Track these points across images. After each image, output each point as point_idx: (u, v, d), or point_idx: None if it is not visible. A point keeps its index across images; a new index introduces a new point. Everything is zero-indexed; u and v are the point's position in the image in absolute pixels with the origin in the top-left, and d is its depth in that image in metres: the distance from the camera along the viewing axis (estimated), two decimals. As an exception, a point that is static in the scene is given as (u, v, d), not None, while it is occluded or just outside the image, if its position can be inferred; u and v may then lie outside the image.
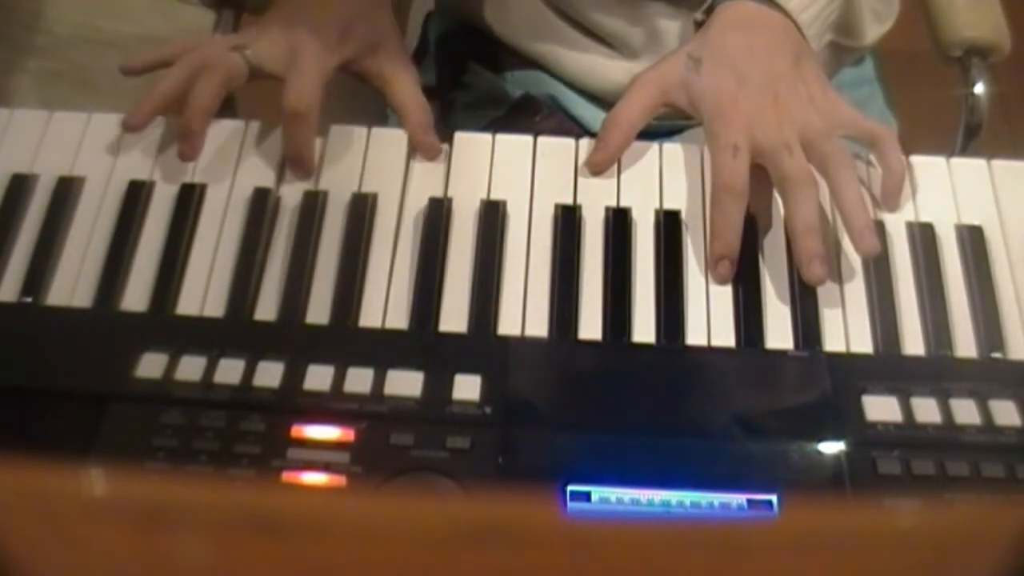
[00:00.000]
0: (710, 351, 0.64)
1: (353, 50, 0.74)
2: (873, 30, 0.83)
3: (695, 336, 0.64)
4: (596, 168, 0.70)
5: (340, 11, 0.74)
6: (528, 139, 0.72)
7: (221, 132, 0.72)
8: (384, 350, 0.62)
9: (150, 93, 0.70)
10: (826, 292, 0.66)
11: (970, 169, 0.72)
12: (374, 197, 0.69)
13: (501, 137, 0.72)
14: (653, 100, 0.71)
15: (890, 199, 0.69)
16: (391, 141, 0.72)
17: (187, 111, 0.69)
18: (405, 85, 0.74)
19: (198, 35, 0.74)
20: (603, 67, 0.85)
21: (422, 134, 0.72)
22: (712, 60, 0.70)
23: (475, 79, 0.90)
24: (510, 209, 0.69)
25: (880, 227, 0.67)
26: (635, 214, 0.69)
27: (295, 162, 0.70)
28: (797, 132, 0.67)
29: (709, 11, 0.73)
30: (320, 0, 0.74)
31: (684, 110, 0.71)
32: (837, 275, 0.66)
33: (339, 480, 0.56)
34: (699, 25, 0.74)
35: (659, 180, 0.70)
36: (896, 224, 0.69)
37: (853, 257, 0.67)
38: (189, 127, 0.69)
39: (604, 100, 0.86)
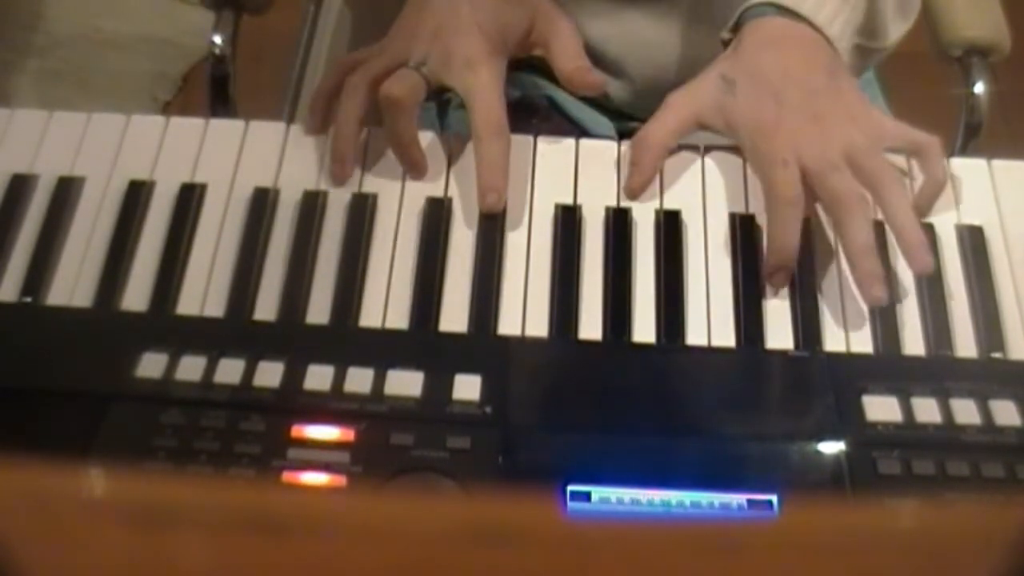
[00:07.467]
0: (710, 351, 0.64)
1: (516, 39, 0.72)
2: (897, 28, 0.82)
3: (695, 336, 0.64)
4: (634, 193, 0.70)
5: (492, 4, 0.71)
6: (528, 139, 0.72)
7: (221, 132, 0.72)
8: (384, 350, 0.62)
9: (338, 132, 0.69)
10: (826, 292, 0.66)
11: (970, 169, 0.72)
12: (374, 197, 0.69)
13: (501, 137, 0.72)
14: (685, 123, 0.70)
15: (926, 206, 0.69)
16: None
17: (401, 150, 0.69)
18: (563, 42, 0.73)
19: (342, 58, 0.70)
20: None
21: (574, 69, 0.71)
22: (747, 81, 0.69)
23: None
24: (509, 209, 0.69)
25: (880, 227, 0.67)
26: (635, 214, 0.69)
27: (489, 189, 0.67)
28: (841, 151, 0.66)
29: (735, 29, 0.72)
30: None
31: (719, 132, 0.70)
32: (837, 275, 0.66)
33: (339, 480, 0.56)
34: (726, 44, 0.73)
35: (659, 180, 0.70)
36: (896, 224, 0.69)
37: (853, 257, 0.67)
38: (410, 159, 0.69)
39: (602, 105, 0.85)
